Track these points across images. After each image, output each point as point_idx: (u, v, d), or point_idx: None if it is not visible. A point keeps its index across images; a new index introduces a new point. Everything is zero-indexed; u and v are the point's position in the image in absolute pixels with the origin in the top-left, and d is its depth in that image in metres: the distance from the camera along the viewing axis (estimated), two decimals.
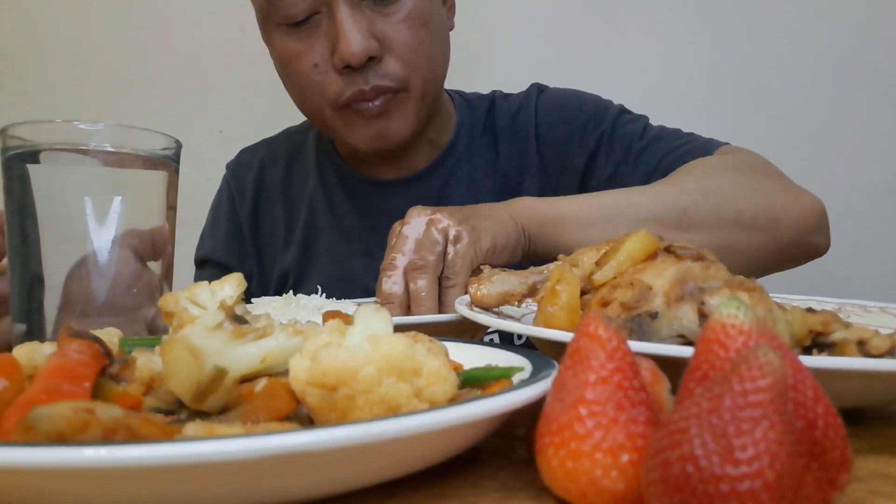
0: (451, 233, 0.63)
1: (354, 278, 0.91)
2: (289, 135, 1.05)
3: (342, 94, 0.78)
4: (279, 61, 0.83)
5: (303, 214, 0.97)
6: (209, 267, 1.00)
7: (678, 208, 0.69)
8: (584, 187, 0.89)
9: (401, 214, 0.88)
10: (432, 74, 0.83)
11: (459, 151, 0.93)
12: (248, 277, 1.00)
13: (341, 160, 0.97)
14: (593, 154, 0.88)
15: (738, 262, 0.66)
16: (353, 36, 0.74)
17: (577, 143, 0.90)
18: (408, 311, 0.61)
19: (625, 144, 0.87)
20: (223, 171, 1.06)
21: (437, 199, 0.91)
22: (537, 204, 0.69)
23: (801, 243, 0.74)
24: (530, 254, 0.69)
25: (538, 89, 0.97)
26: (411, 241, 0.63)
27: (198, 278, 1.00)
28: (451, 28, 0.89)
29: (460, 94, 1.00)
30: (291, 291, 0.89)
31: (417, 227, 0.64)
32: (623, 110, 0.92)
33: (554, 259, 0.52)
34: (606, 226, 0.67)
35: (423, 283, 0.60)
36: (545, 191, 0.91)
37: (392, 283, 0.61)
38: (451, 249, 0.62)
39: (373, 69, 0.77)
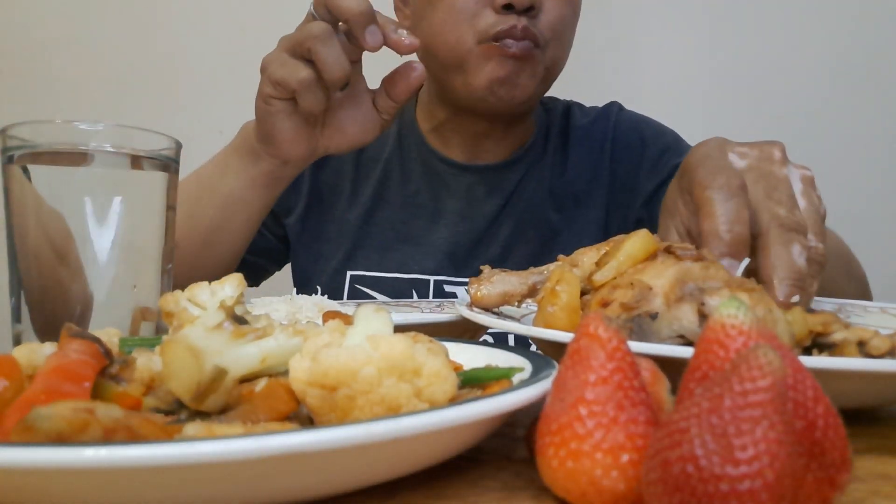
0: None
1: (405, 258, 0.93)
2: None
3: (494, 26, 0.79)
4: None
5: (373, 180, 0.97)
6: None
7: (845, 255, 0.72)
8: (647, 211, 0.91)
9: (473, 201, 0.94)
10: (562, 53, 0.86)
11: (536, 151, 0.96)
12: (289, 210, 0.98)
13: (423, 136, 0.97)
14: (664, 181, 0.90)
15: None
16: None
17: (649, 167, 0.92)
18: None
19: None
20: None
21: (511, 193, 0.94)
22: None
23: None
24: None
25: (618, 107, 0.99)
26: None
27: None
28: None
29: None
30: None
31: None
32: None
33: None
34: None
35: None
36: (609, 206, 0.93)
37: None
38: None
39: (527, 18, 0.79)
